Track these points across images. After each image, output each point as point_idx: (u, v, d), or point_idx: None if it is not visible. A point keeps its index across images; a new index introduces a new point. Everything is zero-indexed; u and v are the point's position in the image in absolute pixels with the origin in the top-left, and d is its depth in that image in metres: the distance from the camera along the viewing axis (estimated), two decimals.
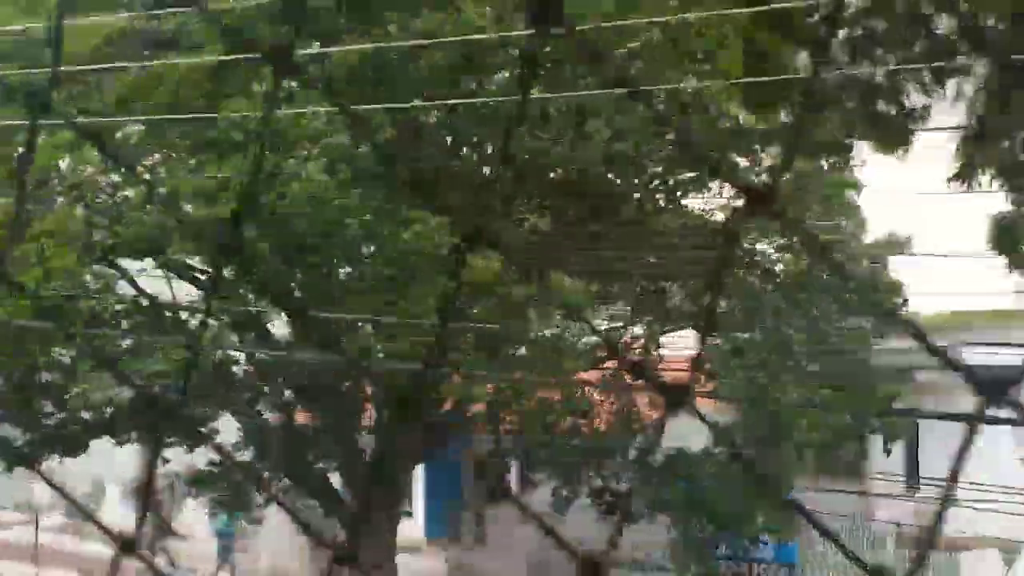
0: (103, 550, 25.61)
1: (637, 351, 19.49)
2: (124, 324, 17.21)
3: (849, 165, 18.36)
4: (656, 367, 19.46)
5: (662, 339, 19.69)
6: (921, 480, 20.28)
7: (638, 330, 19.89)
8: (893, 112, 9.20)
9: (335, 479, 19.97)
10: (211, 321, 16.97)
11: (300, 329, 17.72)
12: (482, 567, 24.83)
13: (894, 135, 9.47)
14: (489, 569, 24.80)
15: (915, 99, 9.24)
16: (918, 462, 21.32)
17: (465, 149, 17.64)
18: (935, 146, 9.91)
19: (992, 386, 0.98)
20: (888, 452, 21.40)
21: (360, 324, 16.15)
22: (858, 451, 19.91)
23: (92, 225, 16.20)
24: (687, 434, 18.81)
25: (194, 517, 27.19)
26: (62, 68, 16.32)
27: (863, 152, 13.23)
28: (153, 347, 16.57)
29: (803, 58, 8.91)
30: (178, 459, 17.59)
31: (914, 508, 20.94)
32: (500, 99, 15.57)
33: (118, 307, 16.90)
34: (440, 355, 15.01)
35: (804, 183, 17.92)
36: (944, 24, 8.83)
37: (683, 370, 18.41)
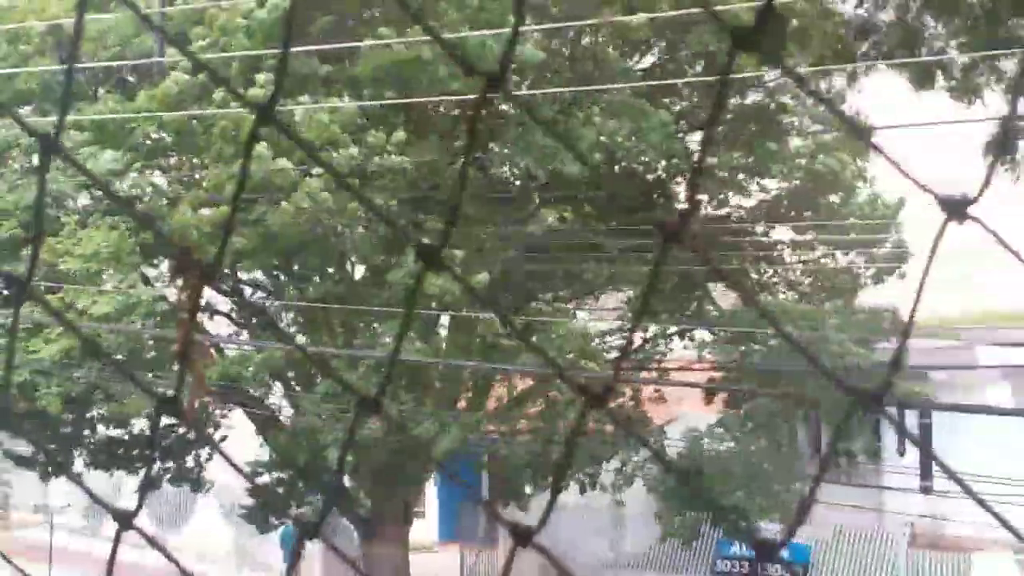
0: (120, 550, 25.64)
1: (648, 350, 19.53)
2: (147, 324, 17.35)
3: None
4: (661, 365, 19.52)
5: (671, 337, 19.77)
6: (935, 476, 20.21)
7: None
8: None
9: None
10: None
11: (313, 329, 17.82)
12: (494, 569, 24.85)
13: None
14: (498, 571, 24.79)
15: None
16: (931, 458, 21.25)
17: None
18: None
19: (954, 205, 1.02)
20: (902, 453, 21.32)
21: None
22: (871, 446, 19.90)
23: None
24: (691, 430, 18.88)
25: (209, 516, 27.30)
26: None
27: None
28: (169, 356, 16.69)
29: None
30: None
31: (928, 504, 20.90)
32: (532, 91, 15.59)
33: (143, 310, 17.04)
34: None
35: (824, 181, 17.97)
36: None
37: (692, 369, 18.49)
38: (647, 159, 17.20)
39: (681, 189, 18.79)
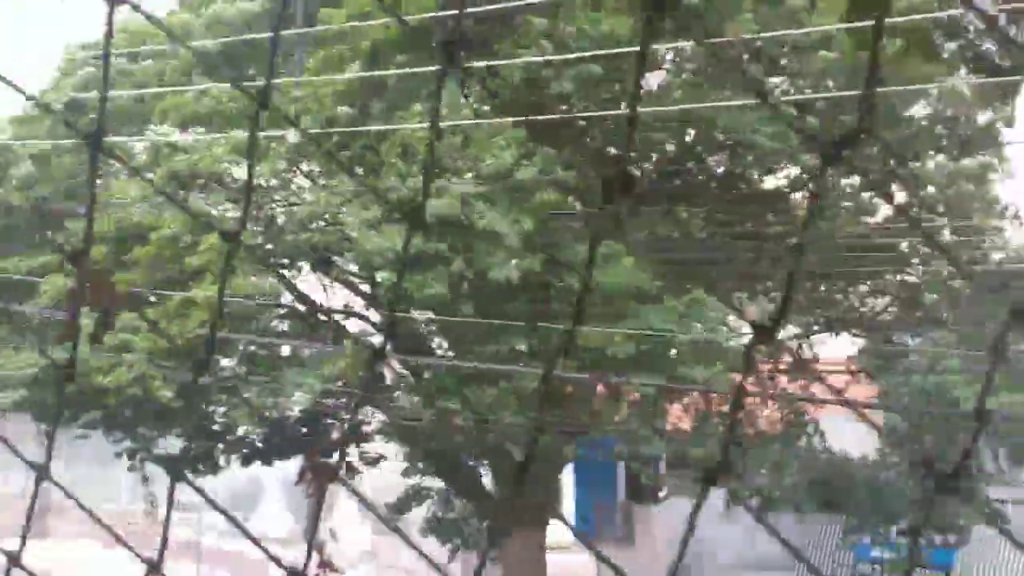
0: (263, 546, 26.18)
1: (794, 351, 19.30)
2: (284, 327, 17.73)
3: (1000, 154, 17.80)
4: (811, 367, 19.22)
5: (816, 339, 19.47)
6: None
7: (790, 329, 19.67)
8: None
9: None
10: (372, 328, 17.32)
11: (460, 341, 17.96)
12: (628, 568, 24.84)
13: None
14: (634, 570, 24.79)
15: None
16: None
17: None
18: None
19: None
20: None
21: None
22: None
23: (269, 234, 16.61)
24: (842, 437, 18.58)
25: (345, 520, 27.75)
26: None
27: None
28: (312, 355, 16.99)
29: None
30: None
31: None
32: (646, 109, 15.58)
33: (280, 312, 17.39)
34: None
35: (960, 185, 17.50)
36: None
37: (838, 371, 18.21)
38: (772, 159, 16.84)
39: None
